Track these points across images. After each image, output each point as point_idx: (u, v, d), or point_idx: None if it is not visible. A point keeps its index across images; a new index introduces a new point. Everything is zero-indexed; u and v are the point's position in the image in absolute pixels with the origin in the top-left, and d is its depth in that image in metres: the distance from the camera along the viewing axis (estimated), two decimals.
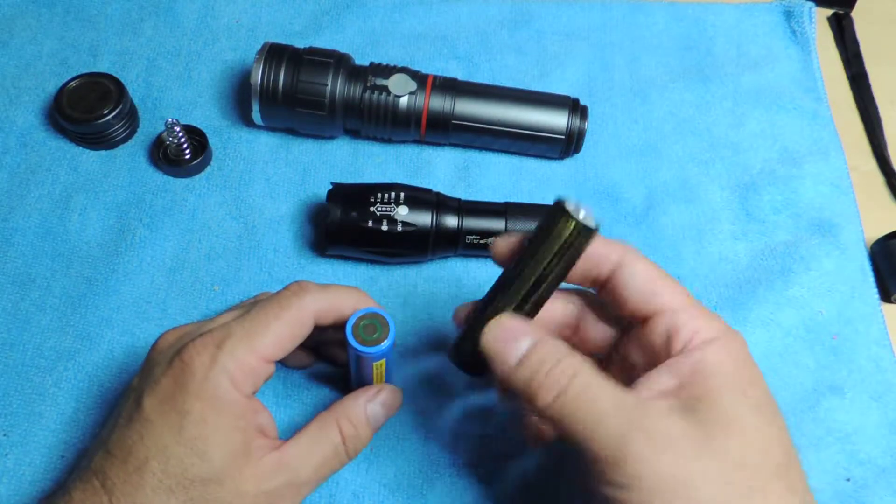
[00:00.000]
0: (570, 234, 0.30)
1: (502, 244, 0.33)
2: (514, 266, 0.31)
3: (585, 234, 0.30)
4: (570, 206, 0.30)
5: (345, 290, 0.36)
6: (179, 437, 0.31)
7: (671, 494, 0.26)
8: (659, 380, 0.30)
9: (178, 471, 0.31)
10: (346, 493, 0.39)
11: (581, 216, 0.30)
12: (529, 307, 0.31)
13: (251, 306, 0.35)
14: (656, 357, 0.31)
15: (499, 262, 0.33)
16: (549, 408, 0.29)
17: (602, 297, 0.34)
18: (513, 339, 0.30)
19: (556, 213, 0.30)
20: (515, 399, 0.31)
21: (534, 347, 0.30)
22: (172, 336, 0.35)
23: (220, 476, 0.31)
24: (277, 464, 0.33)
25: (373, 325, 0.34)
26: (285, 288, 0.35)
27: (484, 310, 0.32)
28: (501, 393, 0.37)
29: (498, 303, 0.31)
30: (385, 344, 0.34)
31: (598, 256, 0.32)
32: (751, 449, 0.28)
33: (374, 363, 0.35)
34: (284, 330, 0.34)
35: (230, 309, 0.37)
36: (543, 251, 0.30)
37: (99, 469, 0.32)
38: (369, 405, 0.36)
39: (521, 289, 0.31)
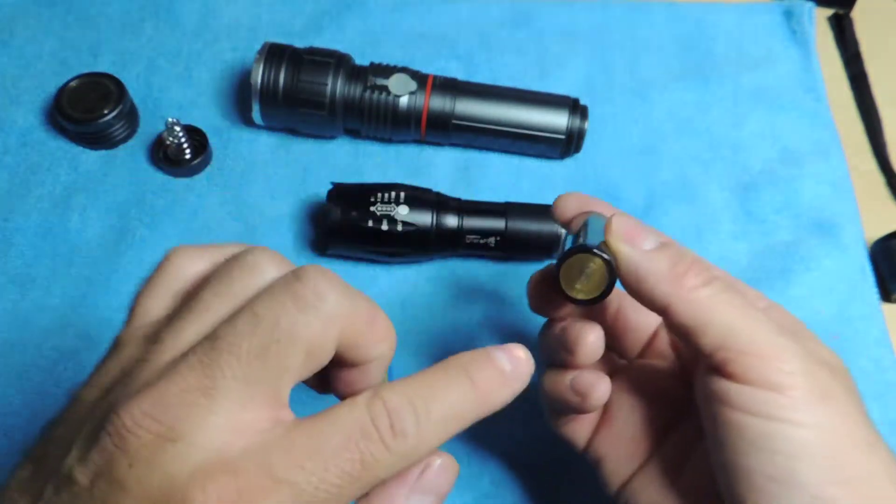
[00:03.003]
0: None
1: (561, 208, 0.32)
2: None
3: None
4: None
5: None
6: None
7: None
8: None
9: None
10: None
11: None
12: None
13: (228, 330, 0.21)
14: None
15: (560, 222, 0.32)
16: (688, 296, 0.27)
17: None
18: (642, 230, 0.28)
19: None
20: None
21: (667, 241, 0.29)
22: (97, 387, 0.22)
23: None
24: None
25: None
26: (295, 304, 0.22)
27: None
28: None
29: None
30: None
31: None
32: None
33: None
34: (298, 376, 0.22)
35: (179, 318, 0.23)
36: None
37: None
38: (413, 499, 0.23)
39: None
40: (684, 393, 0.30)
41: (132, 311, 0.24)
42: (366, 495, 0.22)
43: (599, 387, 0.30)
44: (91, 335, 0.43)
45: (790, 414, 0.25)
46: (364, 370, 0.25)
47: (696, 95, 0.54)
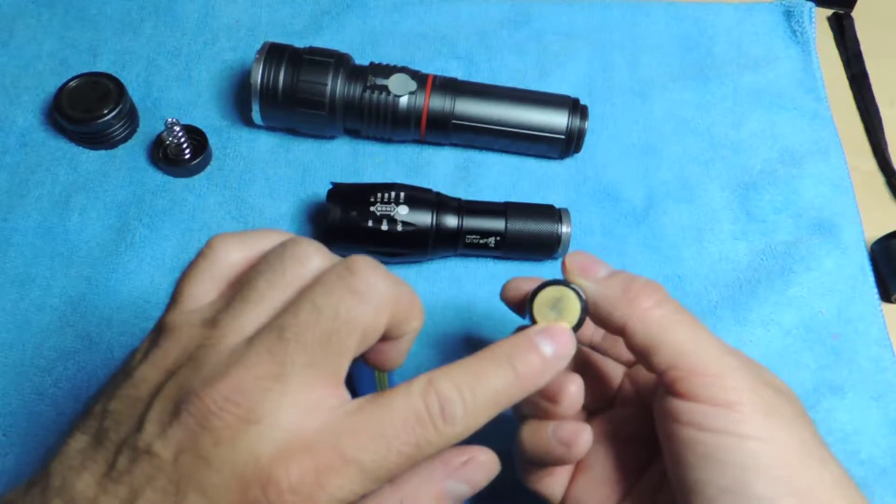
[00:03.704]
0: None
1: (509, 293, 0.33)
2: None
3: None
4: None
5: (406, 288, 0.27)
6: None
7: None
8: None
9: None
10: None
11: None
12: None
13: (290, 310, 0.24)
14: None
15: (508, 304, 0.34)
16: (643, 316, 0.28)
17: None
18: (595, 262, 0.31)
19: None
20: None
21: (617, 270, 0.30)
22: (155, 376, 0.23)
23: None
24: None
25: None
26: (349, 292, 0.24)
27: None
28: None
29: None
30: None
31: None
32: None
33: (376, 371, 0.35)
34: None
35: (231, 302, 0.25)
36: None
37: None
38: (449, 483, 0.26)
39: None
40: (653, 432, 0.31)
41: (176, 295, 0.26)
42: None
43: (583, 434, 0.30)
44: (91, 335, 0.43)
45: (740, 427, 0.26)
46: (397, 342, 0.27)
47: (696, 95, 0.54)
